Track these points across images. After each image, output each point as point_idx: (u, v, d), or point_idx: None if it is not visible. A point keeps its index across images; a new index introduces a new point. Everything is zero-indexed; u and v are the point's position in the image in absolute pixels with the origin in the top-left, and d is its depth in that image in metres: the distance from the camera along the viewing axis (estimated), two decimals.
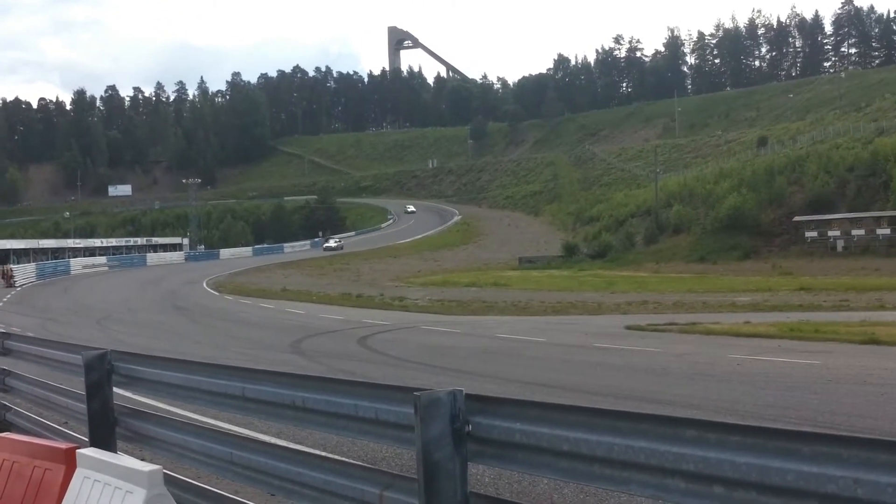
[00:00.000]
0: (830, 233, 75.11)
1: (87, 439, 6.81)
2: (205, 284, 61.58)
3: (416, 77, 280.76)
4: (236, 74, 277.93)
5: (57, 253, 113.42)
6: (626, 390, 14.25)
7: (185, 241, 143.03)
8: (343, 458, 6.06)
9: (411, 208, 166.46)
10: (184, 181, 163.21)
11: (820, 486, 2.68)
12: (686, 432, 3.08)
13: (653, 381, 15.46)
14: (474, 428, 3.82)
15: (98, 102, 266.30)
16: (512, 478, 7.65)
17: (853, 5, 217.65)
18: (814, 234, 76.17)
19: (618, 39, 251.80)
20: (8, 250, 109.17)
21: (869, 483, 2.57)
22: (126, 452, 6.75)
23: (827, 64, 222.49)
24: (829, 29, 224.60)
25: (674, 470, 3.10)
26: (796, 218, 78.46)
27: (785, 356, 18.08)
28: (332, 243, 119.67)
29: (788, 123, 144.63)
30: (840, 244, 73.60)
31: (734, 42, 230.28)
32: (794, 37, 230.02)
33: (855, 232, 74.08)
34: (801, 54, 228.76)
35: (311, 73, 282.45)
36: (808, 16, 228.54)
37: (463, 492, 3.88)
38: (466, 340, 24.44)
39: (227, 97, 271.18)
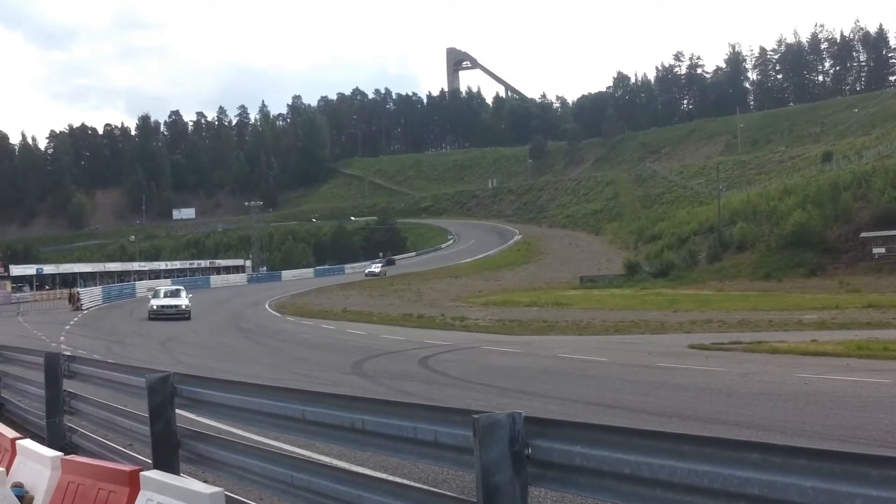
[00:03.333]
0: None
1: (150, 461, 6.87)
2: (267, 306, 62.13)
3: (475, 97, 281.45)
4: (297, 97, 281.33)
5: (123, 276, 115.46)
6: (691, 411, 14.07)
7: (248, 262, 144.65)
8: (403, 481, 6.05)
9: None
10: (246, 204, 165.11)
11: None
12: (751, 456, 3.02)
13: (718, 401, 15.26)
14: (534, 451, 3.79)
15: (162, 127, 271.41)
16: (574, 501, 7.57)
17: None
18: (881, 249, 74.88)
19: (678, 56, 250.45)
20: (75, 274, 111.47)
21: None
22: (189, 474, 6.80)
23: (892, 78, 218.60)
24: (893, 42, 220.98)
25: (738, 494, 3.03)
26: (863, 234, 77.23)
27: (854, 375, 17.75)
28: (164, 299, 55.84)
29: (854, 138, 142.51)
30: None
31: (797, 57, 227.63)
32: (858, 51, 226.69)
33: None
34: (866, 68, 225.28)
35: (371, 95, 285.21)
36: (873, 29, 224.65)
37: None
38: (528, 360, 24.32)
39: (288, 120, 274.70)
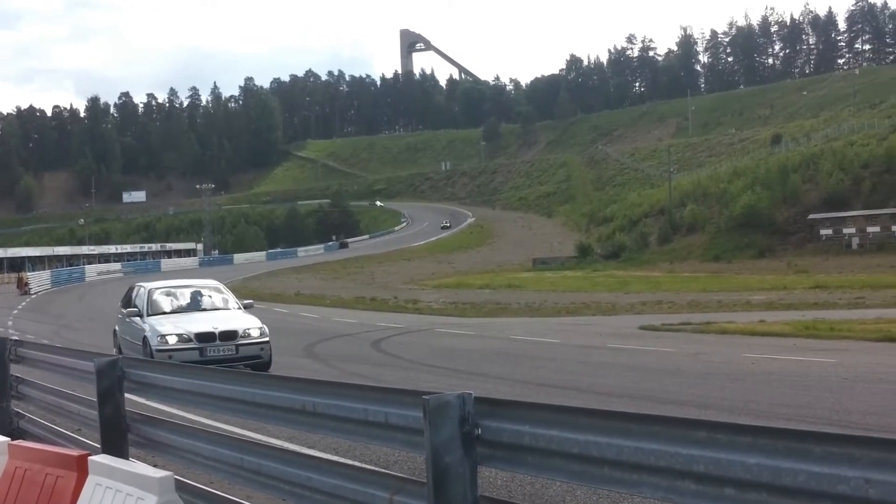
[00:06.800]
0: (846, 230, 74.95)
1: (99, 446, 6.81)
2: None
3: (429, 79, 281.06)
4: (249, 79, 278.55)
5: (72, 260, 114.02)
6: (641, 391, 14.20)
7: (199, 246, 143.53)
8: (353, 463, 6.06)
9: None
10: (197, 186, 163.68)
11: (831, 487, 2.65)
12: (696, 433, 3.05)
13: (667, 381, 15.41)
14: (484, 431, 3.79)
15: (112, 109, 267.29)
16: (525, 480, 7.62)
17: (867, 1, 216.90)
18: (829, 231, 76.00)
19: (630, 39, 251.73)
20: (23, 258, 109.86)
21: (881, 483, 2.54)
22: (138, 459, 6.76)
23: (841, 61, 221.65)
24: (842, 25, 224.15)
25: (685, 472, 3.07)
26: (811, 216, 78.31)
27: (800, 355, 18.00)
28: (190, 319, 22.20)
29: (802, 121, 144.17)
30: (855, 241, 73.39)
31: (747, 40, 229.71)
32: (807, 34, 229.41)
33: (870, 229, 73.91)
34: (815, 51, 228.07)
35: (324, 77, 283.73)
36: (822, 12, 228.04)
37: (473, 495, 3.85)
38: (480, 342, 24.41)
39: (241, 102, 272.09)
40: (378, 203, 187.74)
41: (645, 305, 37.13)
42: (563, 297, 44.29)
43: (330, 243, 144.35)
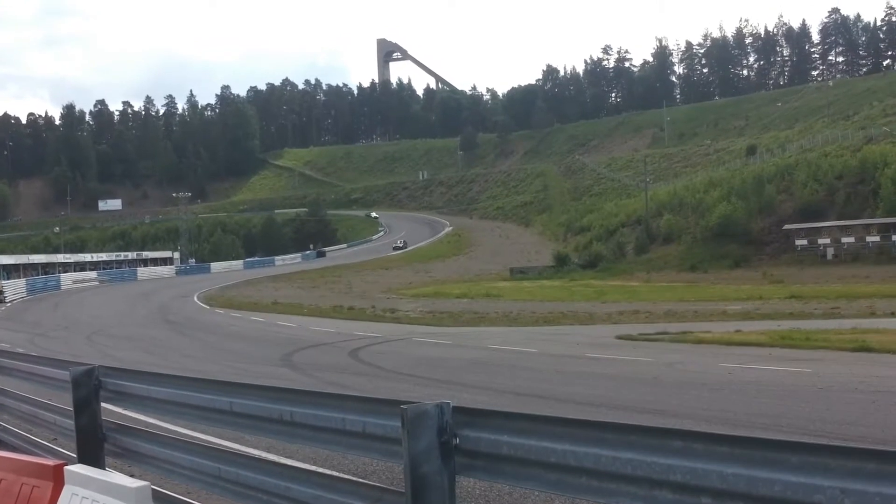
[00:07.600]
0: (820, 241, 75.39)
1: (75, 456, 6.77)
2: (195, 298, 61.44)
3: (406, 89, 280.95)
4: (226, 88, 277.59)
5: (47, 268, 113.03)
6: (618, 400, 14.23)
7: (176, 254, 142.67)
8: (331, 472, 6.04)
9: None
10: (174, 195, 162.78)
11: (807, 497, 2.67)
12: (673, 443, 3.07)
13: (644, 390, 15.45)
14: (462, 441, 3.80)
15: (87, 117, 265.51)
16: (503, 490, 7.62)
17: (840, 14, 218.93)
18: (804, 242, 76.42)
19: (606, 49, 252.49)
20: None
21: (856, 493, 2.56)
22: (115, 468, 6.71)
23: (814, 72, 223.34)
24: (816, 37, 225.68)
25: (661, 481, 3.08)
26: (786, 226, 78.74)
27: (776, 364, 18.08)
28: None
29: (777, 132, 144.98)
30: (830, 252, 73.82)
31: (722, 51, 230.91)
32: (781, 45, 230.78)
33: (845, 240, 74.36)
34: (789, 63, 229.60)
35: (301, 86, 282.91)
36: (796, 25, 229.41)
37: None
38: (458, 352, 24.39)
39: (217, 110, 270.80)
40: (373, 214, 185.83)
41: (622, 315, 37.22)
42: (541, 307, 44.34)
43: (307, 252, 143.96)
